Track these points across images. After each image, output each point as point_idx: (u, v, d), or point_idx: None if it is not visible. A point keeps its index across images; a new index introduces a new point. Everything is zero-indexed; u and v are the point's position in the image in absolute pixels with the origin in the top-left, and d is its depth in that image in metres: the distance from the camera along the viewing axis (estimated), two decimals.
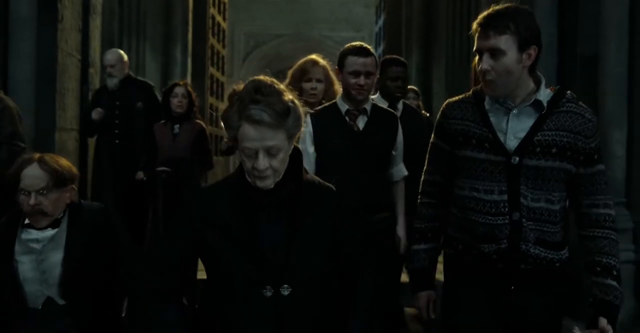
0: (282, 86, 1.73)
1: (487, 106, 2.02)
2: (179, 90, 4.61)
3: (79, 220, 2.39)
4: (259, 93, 1.65)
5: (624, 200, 4.01)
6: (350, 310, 1.83)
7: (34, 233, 2.35)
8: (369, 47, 3.01)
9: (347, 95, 2.92)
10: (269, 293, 1.72)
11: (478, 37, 1.97)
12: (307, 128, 2.93)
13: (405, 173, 3.11)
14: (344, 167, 2.70)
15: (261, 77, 1.74)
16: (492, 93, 1.98)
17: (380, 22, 10.20)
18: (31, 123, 4.10)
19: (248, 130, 1.66)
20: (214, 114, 9.50)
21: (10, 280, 2.34)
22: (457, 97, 2.15)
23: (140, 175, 4.68)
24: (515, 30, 1.91)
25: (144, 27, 7.49)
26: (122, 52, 5.19)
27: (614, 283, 1.98)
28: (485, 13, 1.99)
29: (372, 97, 3.63)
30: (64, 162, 2.42)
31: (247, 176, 1.74)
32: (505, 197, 1.97)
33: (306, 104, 2.98)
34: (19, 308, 2.35)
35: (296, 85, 3.29)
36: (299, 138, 2.05)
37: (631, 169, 4.08)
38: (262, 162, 1.67)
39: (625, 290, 2.16)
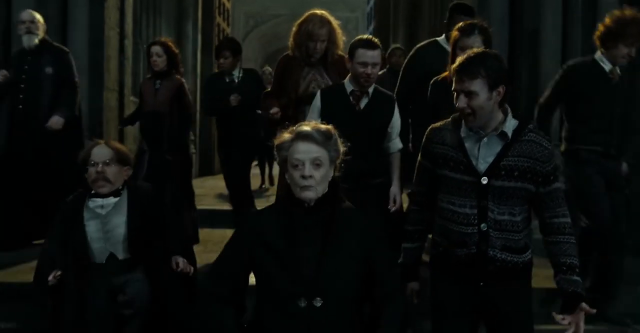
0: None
1: (462, 134, 2.36)
2: (153, 49, 4.74)
3: (136, 192, 3.00)
4: (306, 125, 2.23)
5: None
6: (382, 327, 2.12)
7: (99, 201, 2.93)
8: (376, 40, 3.31)
9: (355, 80, 3.26)
10: (302, 304, 2.04)
11: (455, 81, 2.32)
12: (315, 102, 3.34)
13: (400, 146, 3.47)
14: (345, 138, 2.89)
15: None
16: (469, 125, 2.33)
17: (372, 2, 11.20)
18: (85, 82, 5.18)
19: (298, 145, 2.13)
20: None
21: (80, 240, 2.86)
22: (439, 124, 2.47)
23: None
24: (485, 75, 2.24)
25: (160, 5, 8.49)
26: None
27: (578, 278, 2.34)
28: (459, 60, 2.34)
29: (437, 38, 4.17)
30: (124, 147, 3.09)
31: (293, 190, 2.14)
32: (475, 210, 2.32)
33: (309, 56, 3.77)
34: (87, 263, 2.86)
35: (301, 40, 3.78)
36: (338, 164, 2.29)
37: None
38: (308, 169, 2.10)
39: None
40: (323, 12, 3.86)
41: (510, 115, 2.36)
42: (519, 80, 5.46)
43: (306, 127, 2.18)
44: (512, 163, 2.30)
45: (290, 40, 3.86)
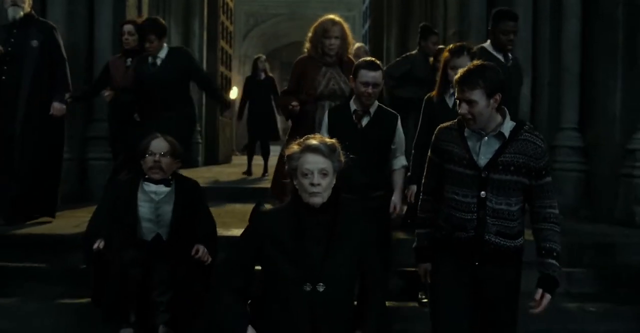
0: None
1: (466, 133, 2.66)
2: (125, 28, 4.97)
3: (183, 185, 3.47)
4: (313, 138, 2.56)
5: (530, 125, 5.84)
6: (366, 311, 2.50)
7: (152, 187, 3.40)
8: (378, 62, 3.54)
9: (357, 99, 3.49)
10: (308, 289, 2.40)
11: (457, 91, 2.61)
12: (324, 120, 3.61)
13: (404, 163, 3.66)
14: (348, 153, 3.14)
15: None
16: (470, 127, 2.63)
17: (367, 2, 11.89)
18: None
19: (308, 157, 2.45)
20: (224, 81, 11.24)
21: (134, 217, 3.32)
22: (447, 124, 2.76)
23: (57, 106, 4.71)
24: (483, 85, 2.53)
25: (170, 4, 9.16)
26: None
27: (554, 262, 2.61)
28: (460, 72, 2.64)
29: (484, 44, 4.38)
30: (177, 143, 3.50)
31: (302, 195, 2.45)
32: (475, 200, 2.60)
33: (325, 55, 4.09)
34: (136, 238, 3.29)
35: (318, 40, 4.13)
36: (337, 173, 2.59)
37: (535, 102, 5.91)
38: (317, 178, 2.42)
39: None
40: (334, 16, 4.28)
41: (508, 118, 2.64)
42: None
43: (314, 141, 2.50)
44: (508, 159, 2.58)
45: (306, 44, 4.23)
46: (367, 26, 11.36)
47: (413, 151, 3.80)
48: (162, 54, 4.65)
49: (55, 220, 4.72)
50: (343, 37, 4.15)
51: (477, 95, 2.53)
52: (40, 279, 3.74)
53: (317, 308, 2.39)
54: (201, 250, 3.31)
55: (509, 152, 2.59)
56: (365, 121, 3.49)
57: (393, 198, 3.55)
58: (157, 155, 3.36)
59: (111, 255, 3.21)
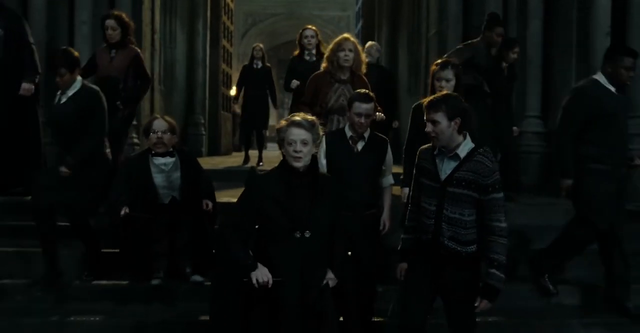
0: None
1: (435, 152, 3.19)
2: (108, 23, 5.18)
3: (183, 155, 4.29)
4: (297, 115, 3.13)
5: None
6: (333, 256, 3.14)
7: (161, 160, 4.18)
8: (371, 94, 3.89)
9: (352, 127, 3.82)
10: (297, 235, 2.99)
11: (425, 113, 3.16)
12: (322, 146, 3.77)
13: (392, 182, 4.03)
14: (345, 175, 3.66)
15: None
16: (435, 144, 3.17)
17: (360, 3, 12.71)
18: None
19: (292, 130, 3.01)
20: (225, 78, 12.06)
21: (152, 187, 4.12)
22: (426, 146, 3.27)
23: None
24: (445, 109, 3.08)
25: (176, 6, 9.95)
26: None
27: (496, 271, 3.03)
28: (428, 98, 3.24)
29: (595, 77, 4.35)
30: (174, 121, 4.27)
31: (287, 160, 3.01)
32: (434, 208, 3.13)
33: (340, 68, 4.49)
34: (156, 203, 4.14)
35: (334, 55, 4.52)
36: (318, 144, 3.20)
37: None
38: (299, 146, 2.98)
39: None
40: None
41: (468, 140, 3.14)
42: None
43: (297, 118, 3.08)
44: (462, 175, 3.08)
45: (323, 64, 4.64)
46: (359, 26, 12.16)
47: (403, 156, 4.18)
48: (71, 91, 4.34)
49: None
50: (356, 52, 4.54)
51: (440, 117, 3.09)
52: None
53: (304, 250, 2.99)
54: (210, 205, 4.19)
55: (463, 169, 3.09)
56: (360, 146, 3.82)
57: (383, 216, 3.94)
58: (159, 133, 4.16)
59: (138, 219, 3.98)
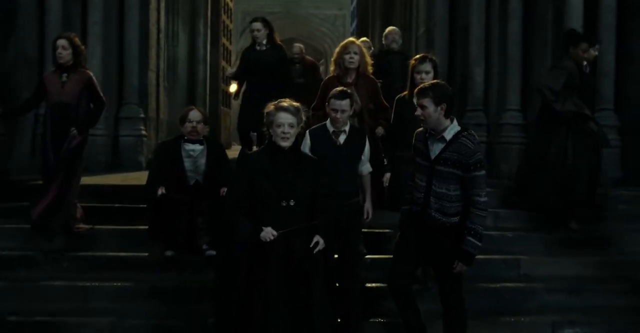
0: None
1: (427, 135, 3.63)
2: (59, 42, 4.92)
3: (211, 144, 4.79)
4: (284, 101, 3.54)
5: (482, 107, 7.24)
6: (319, 221, 3.50)
7: (191, 146, 4.69)
8: (348, 91, 4.16)
9: (331, 122, 4.13)
10: (284, 204, 3.42)
11: (415, 99, 3.61)
12: (306, 141, 4.08)
13: (370, 169, 4.32)
14: (330, 167, 3.89)
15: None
16: (424, 126, 3.62)
17: (355, 2, 13.28)
18: (137, 65, 7.25)
19: (280, 114, 3.43)
20: (224, 75, 12.59)
21: (181, 169, 4.64)
22: (420, 129, 3.70)
23: None
24: (432, 95, 3.52)
25: (178, 6, 10.48)
26: None
27: (472, 239, 3.51)
28: (420, 86, 3.67)
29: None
30: (206, 112, 5.04)
31: (275, 140, 3.42)
32: (425, 183, 3.60)
33: (346, 70, 4.78)
34: (184, 184, 4.63)
35: (340, 57, 4.81)
36: (300, 126, 3.53)
37: (487, 88, 7.30)
38: (287, 128, 3.40)
39: None
40: None
41: (454, 123, 3.59)
42: (454, 64, 7.59)
43: (285, 103, 3.49)
44: (448, 155, 3.54)
45: (332, 67, 4.96)
46: (354, 24, 12.71)
47: (385, 143, 4.59)
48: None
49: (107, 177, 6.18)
50: (361, 54, 4.84)
51: (427, 102, 3.54)
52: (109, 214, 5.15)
53: (289, 216, 3.43)
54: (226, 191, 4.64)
55: (449, 150, 3.53)
56: (342, 139, 4.11)
57: (365, 205, 4.28)
58: (194, 122, 4.69)
59: (170, 198, 4.53)
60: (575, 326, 4.26)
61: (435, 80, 3.80)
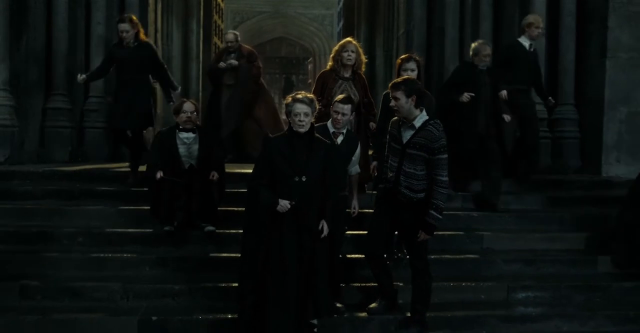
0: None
1: (400, 123, 4.25)
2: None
3: (203, 132, 5.37)
4: (300, 94, 4.12)
5: None
6: (325, 199, 4.09)
7: (185, 134, 5.26)
8: (352, 97, 4.80)
9: (333, 123, 4.61)
10: (296, 179, 3.99)
11: (390, 92, 4.24)
12: None
13: (359, 171, 4.82)
14: None
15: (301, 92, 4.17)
16: (398, 115, 4.24)
17: (341, 2, 13.91)
18: None
19: (297, 104, 3.98)
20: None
21: (176, 155, 5.19)
22: (395, 118, 4.31)
23: None
24: (403, 89, 4.14)
25: (172, 7, 11.08)
26: None
27: (435, 214, 4.13)
28: (393, 81, 4.29)
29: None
30: (196, 103, 5.62)
31: (293, 127, 4.00)
32: (396, 164, 4.22)
33: (343, 66, 5.23)
34: (179, 168, 5.18)
35: (338, 55, 5.26)
36: (314, 115, 4.06)
37: None
38: (302, 117, 3.96)
39: None
40: None
41: (423, 113, 4.22)
42: (431, 62, 8.26)
43: (300, 96, 4.07)
44: (416, 140, 4.16)
45: (329, 63, 5.40)
46: (341, 24, 13.34)
47: (373, 135, 5.18)
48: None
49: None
50: (357, 53, 5.32)
51: (399, 94, 4.17)
52: (112, 196, 5.77)
53: (302, 190, 4.02)
54: (215, 175, 5.26)
55: (417, 136, 4.17)
56: (339, 139, 4.64)
57: (353, 202, 4.85)
58: (188, 113, 5.30)
59: (167, 180, 5.13)
60: (527, 290, 4.91)
61: (407, 77, 4.47)
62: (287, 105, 4.11)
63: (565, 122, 7.10)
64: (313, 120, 4.08)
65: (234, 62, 7.96)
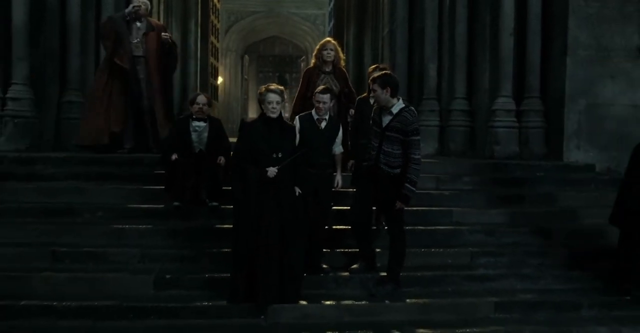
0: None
1: (380, 110, 5.03)
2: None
3: (212, 121, 6.17)
4: (272, 85, 5.11)
5: (435, 96, 8.76)
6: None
7: (196, 123, 6.06)
8: (328, 87, 5.59)
9: (315, 111, 5.35)
10: (274, 155, 4.84)
11: (370, 85, 5.08)
12: (296, 125, 5.29)
13: (342, 150, 5.54)
14: (314, 145, 5.21)
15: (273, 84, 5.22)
16: (377, 104, 5.06)
17: (332, 3, 14.73)
18: None
19: (269, 94, 4.88)
20: (213, 70, 14.00)
21: (189, 141, 6.02)
22: (376, 106, 5.11)
23: None
24: (379, 82, 4.93)
25: (172, 7, 11.88)
26: None
27: (409, 186, 4.88)
28: (373, 76, 5.08)
29: None
30: (210, 97, 6.54)
31: (266, 113, 4.87)
32: (377, 144, 4.98)
33: (324, 63, 6.36)
34: (191, 152, 5.99)
35: (319, 53, 6.35)
36: (284, 103, 4.98)
37: (439, 80, 8.81)
38: (275, 105, 4.85)
39: None
40: None
41: (400, 102, 5.01)
42: (413, 61, 9.09)
43: (272, 86, 4.96)
44: (393, 124, 4.93)
45: (312, 60, 6.52)
46: (332, 24, 14.14)
47: (350, 137, 5.83)
48: None
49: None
50: (336, 51, 6.44)
51: (376, 87, 4.98)
52: (125, 178, 6.59)
53: (278, 164, 4.82)
54: (222, 159, 6.05)
55: (394, 121, 4.95)
56: (323, 125, 5.36)
57: (337, 176, 5.57)
58: (201, 104, 6.11)
59: (181, 162, 5.91)
60: (488, 256, 5.74)
61: (385, 72, 5.30)
62: (260, 94, 4.95)
63: (531, 113, 7.92)
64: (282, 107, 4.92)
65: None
